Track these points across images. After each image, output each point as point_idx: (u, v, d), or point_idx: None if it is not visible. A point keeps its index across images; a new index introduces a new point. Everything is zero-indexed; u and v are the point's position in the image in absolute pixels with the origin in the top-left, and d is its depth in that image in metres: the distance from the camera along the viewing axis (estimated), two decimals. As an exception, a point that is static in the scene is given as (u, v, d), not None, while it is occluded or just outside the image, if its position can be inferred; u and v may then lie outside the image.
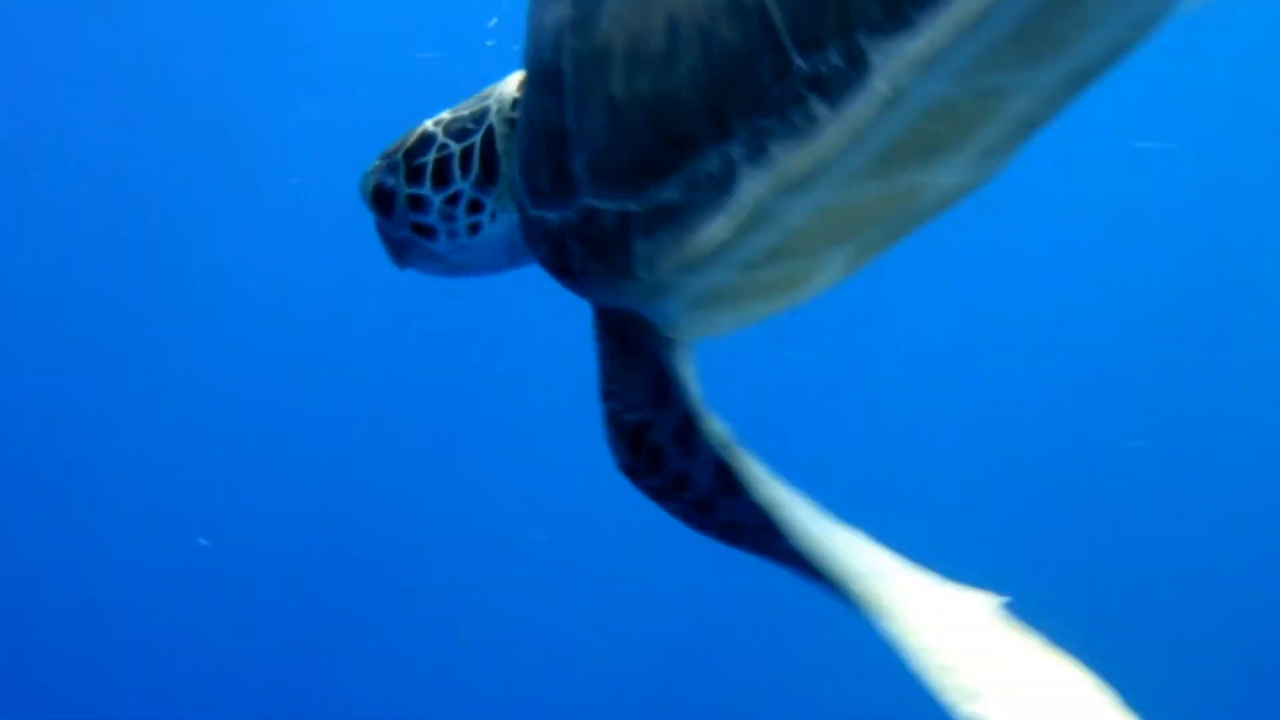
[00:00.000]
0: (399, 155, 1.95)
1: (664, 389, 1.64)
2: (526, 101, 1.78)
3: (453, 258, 2.00)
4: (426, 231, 1.96)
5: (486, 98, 1.93)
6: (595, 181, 1.59)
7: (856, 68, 1.35)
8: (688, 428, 1.61)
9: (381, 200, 1.97)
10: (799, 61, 1.39)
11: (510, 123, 1.89)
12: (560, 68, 1.63)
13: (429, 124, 1.95)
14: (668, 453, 1.62)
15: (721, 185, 1.46)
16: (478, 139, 1.90)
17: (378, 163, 1.97)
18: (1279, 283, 8.09)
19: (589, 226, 1.61)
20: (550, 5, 1.66)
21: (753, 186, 1.45)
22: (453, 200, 1.92)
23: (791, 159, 1.42)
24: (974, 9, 1.29)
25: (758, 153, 1.43)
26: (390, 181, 1.95)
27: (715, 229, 1.49)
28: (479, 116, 1.92)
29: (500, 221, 1.92)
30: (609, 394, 1.68)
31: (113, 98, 7.65)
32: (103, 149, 7.65)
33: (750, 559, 1.64)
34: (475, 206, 1.93)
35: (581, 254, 1.64)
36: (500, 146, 1.90)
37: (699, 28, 1.46)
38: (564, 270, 1.69)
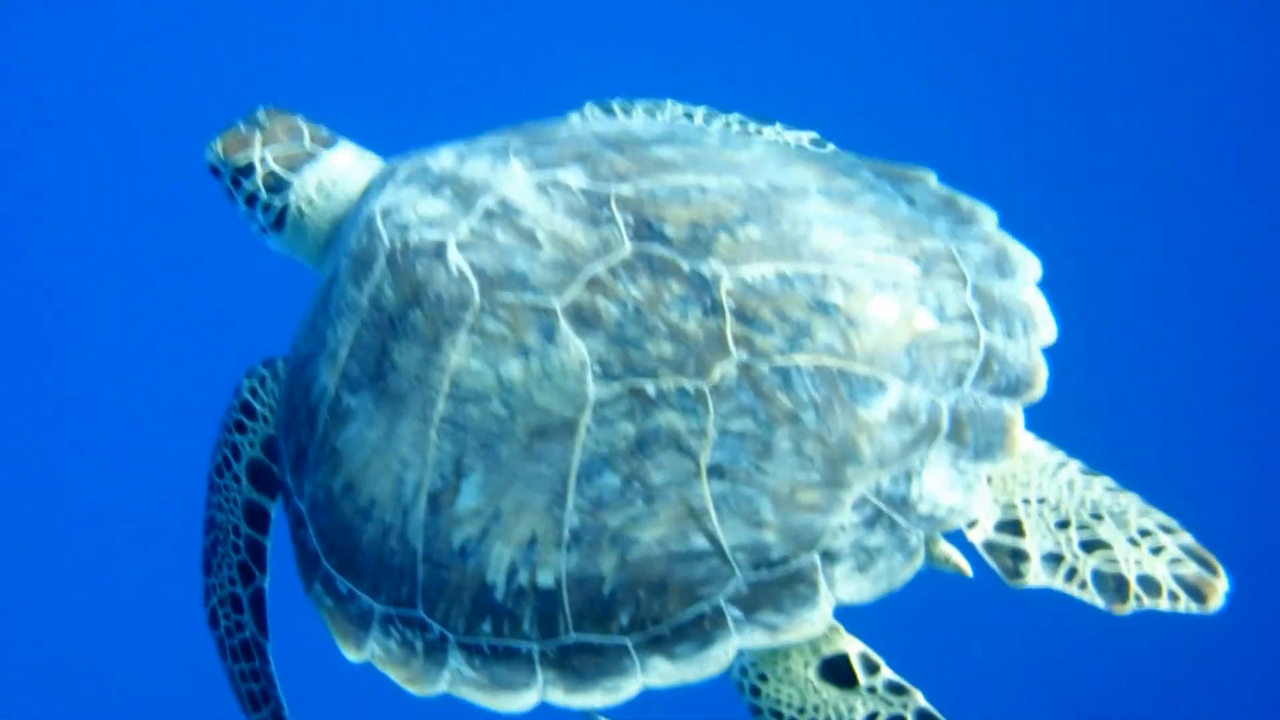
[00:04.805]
0: (229, 164, 2.76)
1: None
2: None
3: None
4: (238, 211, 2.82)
5: (295, 169, 2.72)
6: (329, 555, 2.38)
7: None
8: None
9: (213, 173, 2.81)
10: None
11: (300, 213, 2.71)
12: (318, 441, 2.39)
13: (256, 148, 2.75)
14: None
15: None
16: (276, 203, 2.72)
17: (217, 145, 2.77)
18: None
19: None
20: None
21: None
22: (251, 219, 2.78)
23: None
24: None
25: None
26: (220, 170, 2.78)
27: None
28: (282, 188, 2.72)
29: (282, 252, 2.81)
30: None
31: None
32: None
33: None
34: (266, 233, 2.79)
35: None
36: (289, 219, 2.72)
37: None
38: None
